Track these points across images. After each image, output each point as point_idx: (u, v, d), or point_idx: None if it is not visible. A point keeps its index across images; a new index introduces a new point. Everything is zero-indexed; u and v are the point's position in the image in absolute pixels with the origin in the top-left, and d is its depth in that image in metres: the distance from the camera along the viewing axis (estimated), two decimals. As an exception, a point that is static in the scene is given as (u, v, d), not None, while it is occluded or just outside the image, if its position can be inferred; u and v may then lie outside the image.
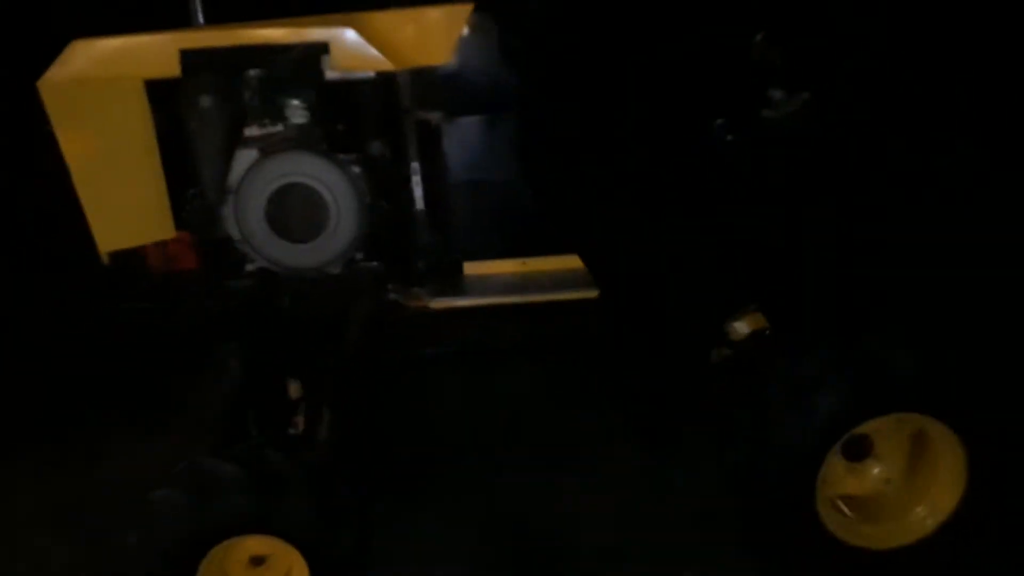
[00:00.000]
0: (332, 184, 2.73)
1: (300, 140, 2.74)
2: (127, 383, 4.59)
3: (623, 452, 3.61)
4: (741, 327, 3.56)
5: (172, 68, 2.72)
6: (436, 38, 2.81)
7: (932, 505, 2.93)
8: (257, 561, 2.91)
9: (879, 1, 2.93)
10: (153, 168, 2.84)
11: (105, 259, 2.95)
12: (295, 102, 2.73)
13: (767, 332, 3.46)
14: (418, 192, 2.91)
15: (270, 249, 2.78)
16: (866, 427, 2.96)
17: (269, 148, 2.74)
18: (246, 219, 2.76)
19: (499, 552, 3.22)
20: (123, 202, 2.87)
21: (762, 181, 3.05)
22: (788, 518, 2.95)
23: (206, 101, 2.72)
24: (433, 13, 2.82)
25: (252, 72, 2.74)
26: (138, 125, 2.79)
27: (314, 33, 2.75)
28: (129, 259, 2.94)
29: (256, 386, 3.17)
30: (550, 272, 3.05)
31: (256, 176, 2.72)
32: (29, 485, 3.90)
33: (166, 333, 3.56)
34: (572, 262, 3.07)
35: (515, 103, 2.93)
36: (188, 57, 2.70)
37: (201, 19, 3.06)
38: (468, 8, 2.80)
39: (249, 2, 3.00)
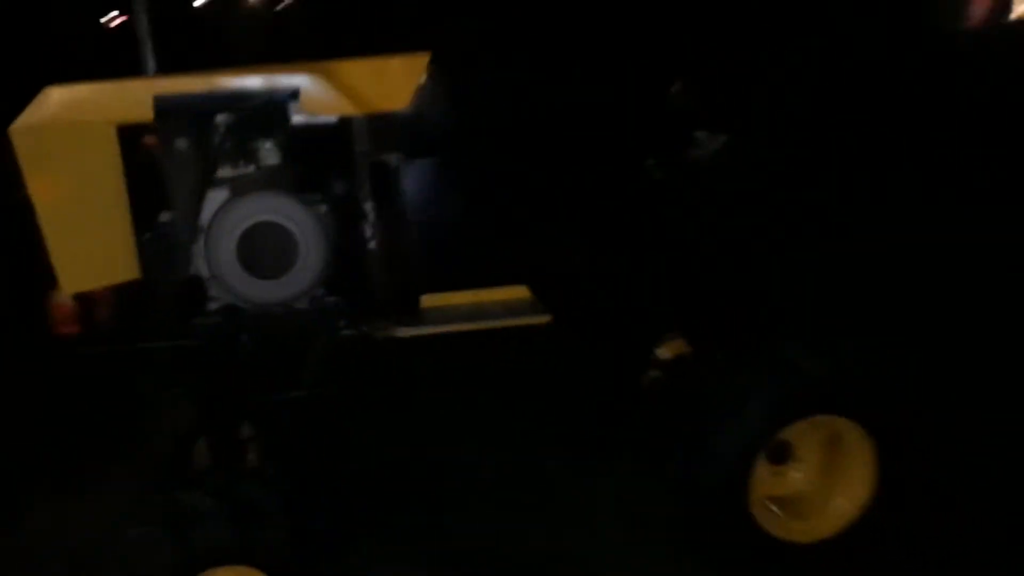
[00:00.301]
0: (300, 222, 2.87)
1: (271, 181, 2.88)
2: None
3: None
4: (664, 352, 3.90)
5: (144, 113, 2.82)
6: (396, 85, 3.03)
7: (850, 497, 3.29)
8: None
9: (787, 50, 3.35)
10: (121, 211, 2.91)
11: (68, 299, 2.98)
12: (267, 144, 2.88)
13: (688, 355, 3.80)
14: (374, 230, 3.08)
15: (240, 285, 2.89)
16: (786, 433, 3.31)
17: (240, 188, 2.86)
18: (217, 257, 2.86)
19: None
20: (90, 245, 2.92)
21: (688, 213, 3.39)
22: (725, 520, 3.25)
23: (180, 144, 2.83)
24: (394, 62, 3.03)
25: (223, 116, 2.87)
26: (108, 169, 2.86)
27: (283, 80, 2.91)
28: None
29: (210, 422, 3.25)
30: (502, 301, 3.28)
31: (228, 215, 2.83)
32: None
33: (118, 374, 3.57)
34: (521, 292, 3.31)
35: (465, 145, 3.17)
36: (162, 102, 2.81)
37: (153, 68, 3.18)
38: (425, 58, 3.03)
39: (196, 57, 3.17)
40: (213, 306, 3.01)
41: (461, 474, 4.02)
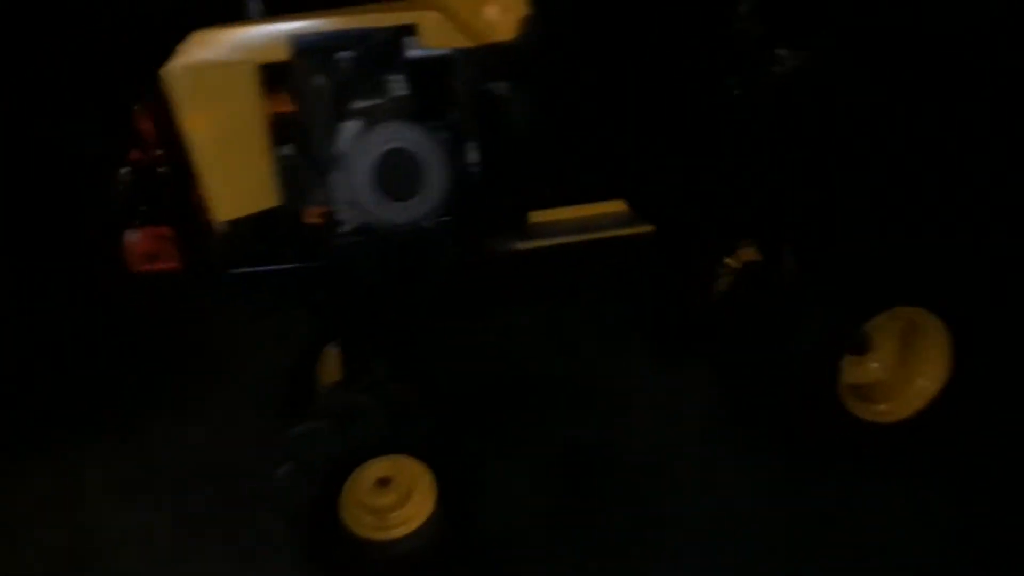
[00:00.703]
0: (426, 148, 3.14)
1: (397, 111, 3.14)
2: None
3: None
4: (733, 261, 4.18)
5: (281, 53, 3.09)
6: (502, 16, 3.28)
7: (930, 377, 3.60)
8: (382, 483, 3.32)
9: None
10: (262, 144, 3.20)
11: (221, 227, 3.28)
12: (396, 77, 3.14)
13: (758, 263, 4.07)
14: (487, 153, 3.35)
15: (375, 208, 3.17)
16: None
17: (371, 119, 3.13)
18: (354, 182, 3.13)
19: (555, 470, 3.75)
20: (237, 175, 3.22)
21: (767, 130, 3.64)
22: (818, 408, 3.57)
23: (317, 80, 3.09)
24: None
25: (352, 52, 3.13)
26: (252, 105, 3.13)
27: (404, 16, 3.17)
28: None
29: (350, 334, 3.58)
30: (603, 215, 3.56)
31: (364, 143, 3.11)
32: (93, 461, 4.17)
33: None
34: (618, 206, 3.59)
35: (564, 72, 3.43)
36: (298, 42, 3.08)
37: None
38: None
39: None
40: (345, 228, 3.29)
41: (551, 383, 4.37)
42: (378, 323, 3.56)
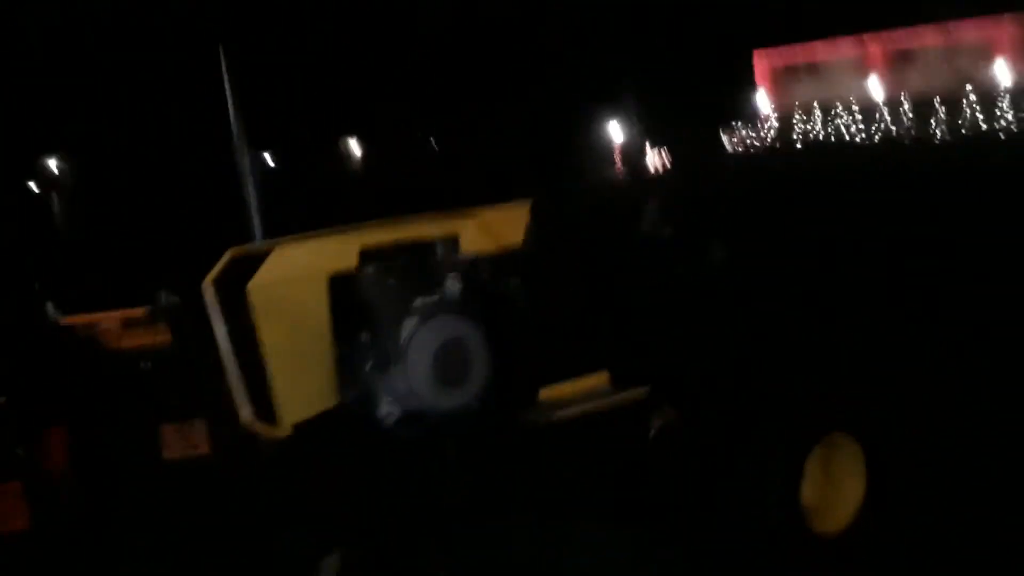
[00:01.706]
0: (475, 338, 3.56)
1: (450, 306, 3.54)
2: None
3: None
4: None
5: (349, 263, 3.41)
6: (514, 226, 3.86)
7: (853, 490, 4.37)
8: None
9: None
10: (327, 349, 3.42)
11: (287, 430, 3.37)
12: (451, 277, 3.56)
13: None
14: (508, 340, 3.81)
15: (434, 395, 3.48)
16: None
17: (428, 315, 3.49)
18: (414, 372, 3.44)
19: None
20: (304, 379, 3.38)
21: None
22: (787, 530, 4.16)
23: (382, 283, 3.43)
24: (515, 208, 3.87)
25: (410, 258, 3.52)
26: (321, 311, 3.39)
27: (448, 226, 3.65)
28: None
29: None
30: (594, 387, 4.10)
31: (423, 336, 3.45)
32: None
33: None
34: (602, 377, 4.16)
35: (555, 270, 4.03)
36: (366, 254, 3.43)
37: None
38: (528, 205, 3.92)
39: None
40: (393, 412, 3.52)
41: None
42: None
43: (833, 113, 31.94)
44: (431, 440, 3.56)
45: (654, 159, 35.19)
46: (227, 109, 5.35)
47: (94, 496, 6.09)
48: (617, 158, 35.70)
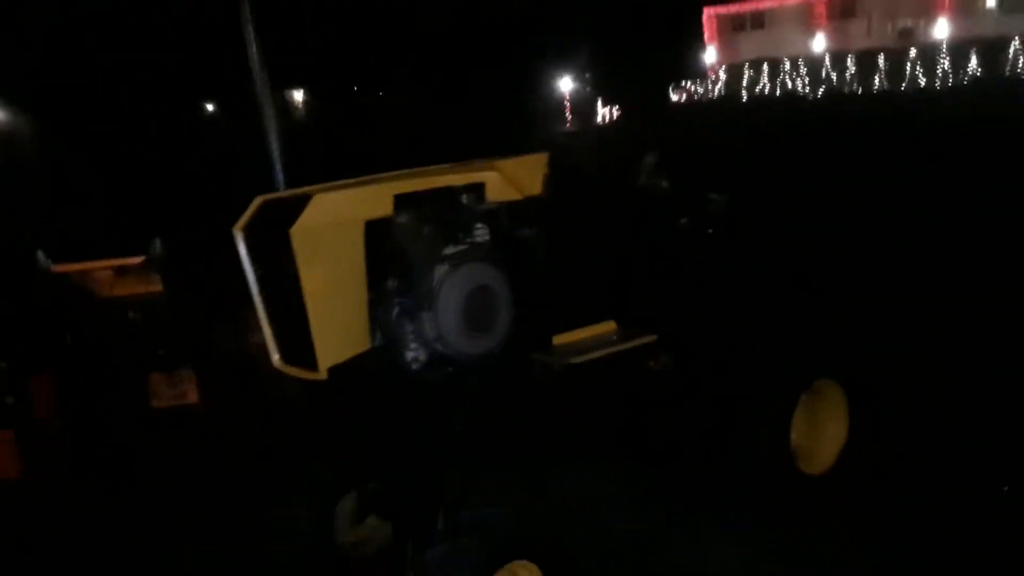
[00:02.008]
0: (500, 285, 3.69)
1: (475, 254, 3.67)
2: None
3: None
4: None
5: (385, 210, 3.51)
6: (534, 176, 3.99)
7: (837, 430, 4.66)
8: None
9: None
10: (363, 294, 3.52)
11: (324, 374, 3.49)
12: (479, 225, 3.68)
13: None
14: (528, 287, 3.96)
15: (460, 340, 3.62)
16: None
17: (457, 262, 3.61)
18: (444, 318, 3.56)
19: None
20: (342, 323, 3.49)
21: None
22: (778, 469, 4.43)
23: (417, 230, 3.53)
24: (534, 158, 3.99)
25: (442, 205, 3.63)
26: (358, 256, 3.48)
27: (475, 175, 3.76)
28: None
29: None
30: (604, 333, 4.28)
31: (453, 283, 3.57)
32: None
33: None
34: (610, 325, 4.34)
35: (569, 219, 4.18)
36: (401, 200, 3.52)
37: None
38: (546, 156, 4.04)
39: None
40: (420, 356, 3.65)
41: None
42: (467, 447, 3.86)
43: (780, 68, 32.40)
44: (455, 383, 3.70)
45: (605, 115, 35.42)
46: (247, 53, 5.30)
47: (83, 444, 6.14)
48: (568, 114, 35.78)
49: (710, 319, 4.52)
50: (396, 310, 3.59)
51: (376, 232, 3.52)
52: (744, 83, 33.12)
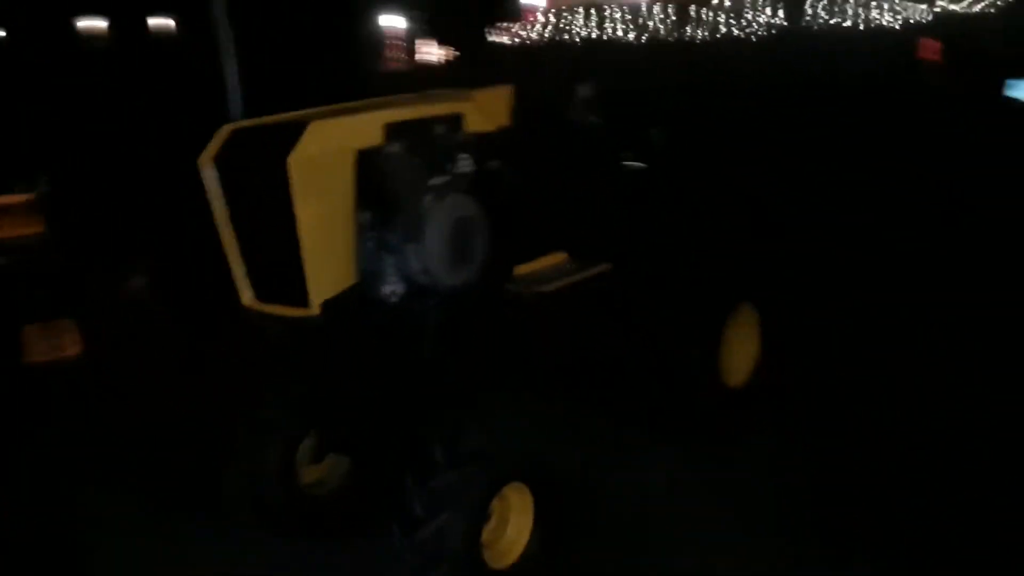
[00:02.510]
0: (479, 215, 3.69)
1: (456, 185, 3.63)
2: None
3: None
4: None
5: (375, 139, 3.40)
6: (503, 109, 3.98)
7: (751, 351, 5.04)
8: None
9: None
10: (349, 226, 3.42)
11: (316, 308, 3.37)
12: (464, 156, 3.63)
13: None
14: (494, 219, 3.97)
15: (445, 272, 3.59)
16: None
17: (442, 192, 3.57)
18: (431, 249, 3.52)
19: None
20: (333, 257, 3.37)
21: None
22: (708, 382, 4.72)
23: (406, 159, 3.45)
24: (502, 90, 3.97)
25: (428, 135, 3.56)
26: (347, 189, 3.36)
27: (455, 105, 3.70)
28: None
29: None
30: (559, 263, 4.38)
31: (441, 213, 3.53)
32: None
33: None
34: (561, 256, 4.44)
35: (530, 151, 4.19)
36: (390, 129, 3.42)
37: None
38: (510, 88, 4.04)
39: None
40: (397, 290, 3.60)
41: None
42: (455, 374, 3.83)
43: (601, 12, 33.36)
44: (433, 317, 3.68)
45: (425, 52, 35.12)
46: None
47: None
48: (389, 51, 35.14)
49: (650, 249, 4.70)
50: (377, 242, 3.51)
51: (364, 162, 3.41)
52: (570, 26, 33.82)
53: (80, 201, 6.37)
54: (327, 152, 3.29)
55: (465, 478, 3.37)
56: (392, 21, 35.21)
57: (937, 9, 34.56)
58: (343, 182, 3.37)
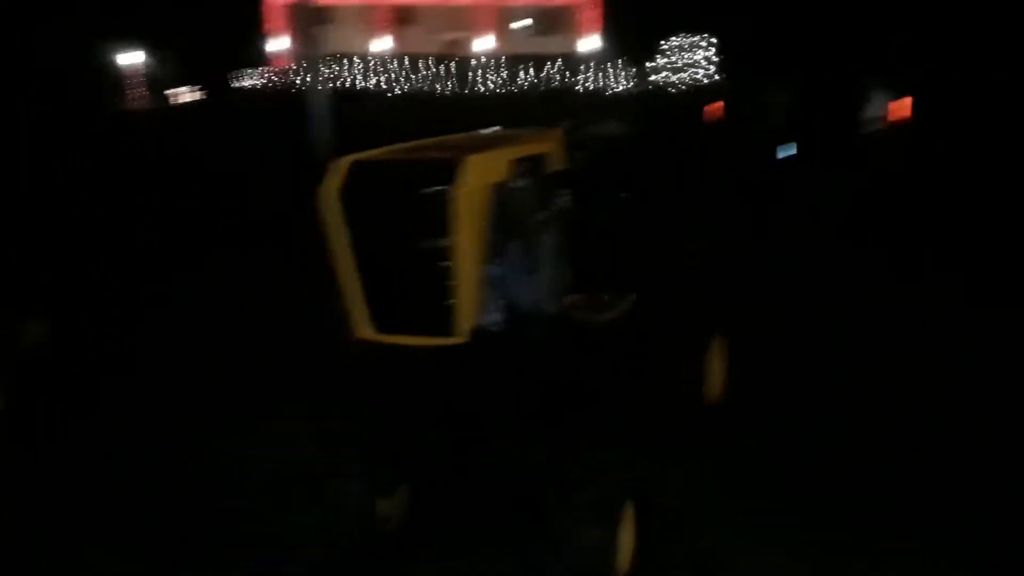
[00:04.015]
0: (566, 250, 3.97)
1: (564, 218, 3.89)
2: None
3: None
4: None
5: (503, 174, 3.58)
6: (559, 148, 4.28)
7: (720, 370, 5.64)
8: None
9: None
10: (480, 257, 3.56)
11: (462, 336, 3.45)
12: (563, 191, 3.88)
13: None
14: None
15: (550, 300, 3.83)
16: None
17: (549, 226, 3.79)
18: (540, 281, 3.74)
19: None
20: (473, 286, 3.50)
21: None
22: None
23: (527, 194, 3.65)
24: (557, 132, 4.27)
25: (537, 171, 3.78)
26: (483, 222, 3.51)
27: (543, 145, 3.96)
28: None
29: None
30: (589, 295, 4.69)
31: (551, 245, 3.77)
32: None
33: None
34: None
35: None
36: (512, 165, 3.62)
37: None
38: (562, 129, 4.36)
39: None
40: (497, 319, 3.77)
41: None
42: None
43: (348, 62, 33.73)
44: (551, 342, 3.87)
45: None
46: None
47: None
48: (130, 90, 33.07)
49: (665, 282, 5.13)
50: (503, 271, 3.67)
51: (498, 196, 3.58)
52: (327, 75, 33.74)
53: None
54: (479, 186, 3.43)
55: (605, 489, 3.58)
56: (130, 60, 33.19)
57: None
58: (483, 215, 3.51)
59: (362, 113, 22.91)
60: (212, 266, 9.53)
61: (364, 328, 3.62)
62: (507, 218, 3.65)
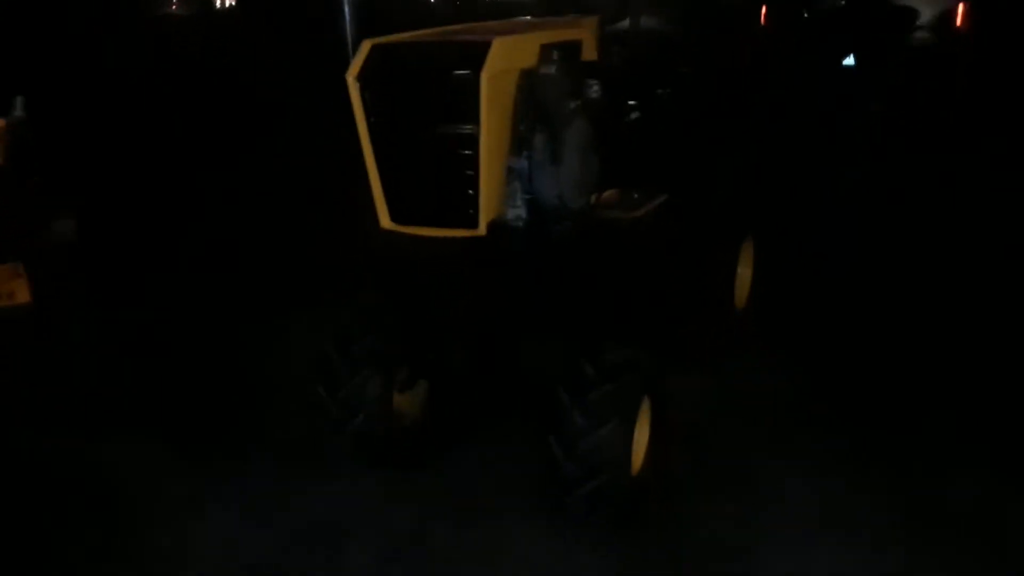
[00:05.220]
0: (598, 143, 3.80)
1: (593, 109, 3.71)
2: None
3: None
4: None
5: (532, 60, 3.40)
6: (594, 38, 4.07)
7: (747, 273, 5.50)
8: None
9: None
10: (507, 147, 3.42)
11: (483, 230, 3.34)
12: (593, 82, 3.70)
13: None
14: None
15: (575, 196, 3.67)
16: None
17: (579, 115, 3.61)
18: (568, 173, 3.58)
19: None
20: (498, 178, 3.36)
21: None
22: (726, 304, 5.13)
23: (558, 81, 3.47)
24: (593, 21, 4.06)
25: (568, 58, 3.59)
26: (510, 109, 3.35)
27: (577, 32, 3.76)
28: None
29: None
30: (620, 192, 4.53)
31: (580, 136, 3.60)
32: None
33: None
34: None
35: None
36: (544, 50, 3.44)
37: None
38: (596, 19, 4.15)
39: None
40: (522, 214, 3.64)
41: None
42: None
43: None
44: (548, 243, 3.73)
45: None
46: None
47: None
48: None
49: (698, 180, 4.94)
50: (528, 164, 3.53)
51: (527, 82, 3.40)
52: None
53: (50, 136, 5.62)
54: (506, 70, 3.26)
55: (620, 389, 3.49)
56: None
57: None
58: (509, 102, 3.36)
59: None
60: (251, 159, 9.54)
61: (385, 218, 3.53)
62: (535, 106, 3.48)
